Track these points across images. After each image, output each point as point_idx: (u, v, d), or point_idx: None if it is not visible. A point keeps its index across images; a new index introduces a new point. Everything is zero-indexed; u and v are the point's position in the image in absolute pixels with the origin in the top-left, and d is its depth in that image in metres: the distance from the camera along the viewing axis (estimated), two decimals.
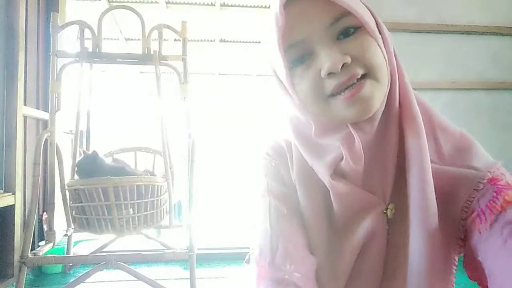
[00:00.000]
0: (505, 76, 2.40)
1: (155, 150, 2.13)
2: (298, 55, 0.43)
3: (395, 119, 0.46)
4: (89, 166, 1.66)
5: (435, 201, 0.43)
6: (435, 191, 0.43)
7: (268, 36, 0.45)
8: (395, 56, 0.46)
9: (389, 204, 0.47)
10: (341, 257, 0.47)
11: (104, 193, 1.57)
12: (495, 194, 0.41)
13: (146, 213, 1.67)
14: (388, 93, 0.45)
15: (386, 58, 0.44)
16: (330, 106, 0.43)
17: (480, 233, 0.40)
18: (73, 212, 1.69)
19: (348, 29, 0.42)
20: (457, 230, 0.44)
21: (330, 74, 0.41)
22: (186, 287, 1.66)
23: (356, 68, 0.41)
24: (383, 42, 0.44)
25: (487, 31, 2.39)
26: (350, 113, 0.42)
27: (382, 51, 0.43)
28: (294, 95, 0.46)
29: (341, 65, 0.40)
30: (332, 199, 0.48)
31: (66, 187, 1.67)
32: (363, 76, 0.41)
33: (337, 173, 0.47)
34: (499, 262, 0.37)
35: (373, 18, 0.45)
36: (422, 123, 0.45)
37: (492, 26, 2.39)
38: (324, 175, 0.48)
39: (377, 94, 0.42)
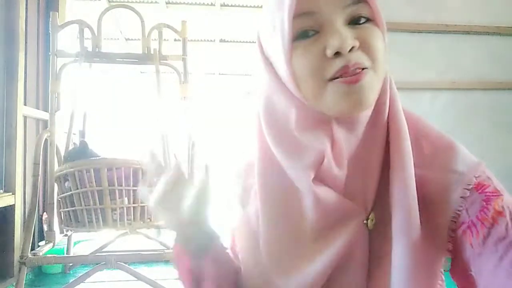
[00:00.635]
0: (505, 76, 2.40)
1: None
2: (304, 27, 0.40)
3: (384, 124, 0.44)
4: (78, 155, 1.55)
5: (417, 210, 0.41)
6: (418, 199, 0.42)
7: (274, 5, 0.42)
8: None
9: (370, 213, 0.44)
10: (313, 272, 0.44)
11: (96, 176, 1.42)
12: (484, 203, 0.39)
13: (143, 204, 1.52)
14: (380, 96, 0.44)
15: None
16: (327, 90, 0.40)
17: (472, 247, 0.39)
18: (60, 207, 1.53)
19: (360, 18, 0.41)
20: (444, 240, 0.42)
21: (336, 54, 0.39)
22: None
23: (362, 57, 0.39)
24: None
25: (487, 31, 2.39)
26: (345, 102, 0.40)
27: (386, 46, 0.42)
28: (289, 71, 0.42)
29: (350, 48, 0.38)
30: (309, 207, 0.44)
31: (54, 176, 1.53)
32: (365, 68, 0.40)
33: (317, 177, 0.44)
34: (495, 281, 0.36)
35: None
36: (407, 131, 0.43)
37: (492, 26, 2.39)
38: (303, 178, 0.44)
39: (375, 88, 0.41)
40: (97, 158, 1.46)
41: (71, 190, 1.46)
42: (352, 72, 0.39)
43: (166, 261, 2.19)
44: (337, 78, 0.39)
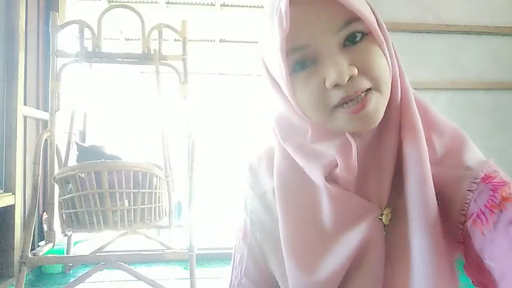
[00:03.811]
0: (505, 76, 2.40)
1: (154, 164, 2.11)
2: (300, 60, 0.41)
3: (395, 125, 0.44)
4: (91, 154, 1.60)
5: (436, 207, 0.42)
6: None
7: (268, 36, 0.42)
8: (396, 57, 0.45)
9: (384, 209, 0.45)
10: (332, 265, 0.45)
11: (97, 179, 1.44)
12: (491, 192, 0.40)
13: (143, 206, 1.56)
14: (390, 100, 0.44)
15: (390, 65, 0.42)
16: (334, 117, 0.41)
17: (483, 235, 0.39)
18: (62, 208, 1.55)
19: (355, 35, 0.40)
20: (456, 234, 0.42)
21: (336, 85, 0.39)
22: (186, 287, 1.66)
23: (362, 82, 0.39)
24: (386, 45, 0.42)
25: (487, 31, 2.39)
26: (354, 126, 0.41)
27: (386, 58, 0.42)
28: (294, 101, 0.43)
29: (347, 78, 0.38)
30: (325, 202, 0.46)
31: (54, 180, 1.54)
32: (368, 89, 0.40)
33: (330, 179, 0.46)
34: (510, 263, 0.36)
35: (375, 18, 0.43)
36: (422, 129, 0.43)
37: (492, 26, 2.39)
38: (318, 176, 0.46)
39: (381, 108, 0.42)
40: (97, 161, 1.47)
41: (72, 193, 1.47)
42: (354, 97, 0.39)
43: (166, 261, 2.19)
44: (342, 105, 0.40)
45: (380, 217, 0.45)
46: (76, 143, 1.70)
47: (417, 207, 0.42)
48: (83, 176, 1.44)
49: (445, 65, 2.38)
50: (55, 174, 1.58)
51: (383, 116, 0.44)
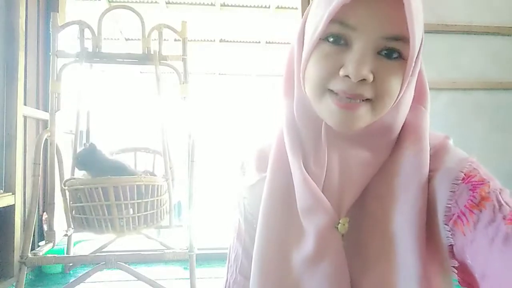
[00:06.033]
0: (505, 76, 2.40)
1: (154, 151, 2.14)
2: (338, 33, 0.41)
3: (388, 141, 0.46)
4: (88, 158, 1.66)
5: (425, 222, 0.43)
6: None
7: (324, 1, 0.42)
8: (422, 82, 0.47)
9: (342, 218, 0.46)
10: (290, 264, 0.47)
11: (104, 193, 1.56)
12: (471, 192, 0.40)
13: (146, 213, 1.67)
14: (389, 116, 0.45)
15: (401, 92, 0.43)
16: (322, 100, 0.43)
17: (464, 235, 0.39)
18: (73, 212, 1.68)
19: (394, 52, 0.41)
20: (444, 236, 0.43)
21: (346, 77, 0.40)
22: (186, 287, 1.66)
23: (368, 91, 0.41)
24: (412, 74, 0.44)
25: (487, 31, 2.39)
26: (332, 119, 0.43)
27: (402, 87, 0.43)
28: (304, 65, 0.44)
29: (359, 79, 0.40)
30: (297, 184, 0.47)
31: (65, 187, 1.66)
32: (367, 100, 0.42)
33: (304, 166, 0.47)
34: (490, 262, 0.36)
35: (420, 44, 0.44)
36: (428, 150, 0.45)
37: (492, 26, 2.39)
38: (293, 161, 0.47)
39: (365, 120, 0.43)
40: (105, 177, 1.58)
41: (82, 202, 1.61)
42: (349, 96, 0.41)
43: (166, 261, 2.19)
44: (336, 94, 0.41)
45: (336, 226, 0.46)
46: (84, 143, 1.75)
47: (407, 218, 0.43)
48: (92, 189, 1.57)
49: (445, 65, 2.38)
50: (64, 181, 1.69)
51: (376, 131, 0.45)
